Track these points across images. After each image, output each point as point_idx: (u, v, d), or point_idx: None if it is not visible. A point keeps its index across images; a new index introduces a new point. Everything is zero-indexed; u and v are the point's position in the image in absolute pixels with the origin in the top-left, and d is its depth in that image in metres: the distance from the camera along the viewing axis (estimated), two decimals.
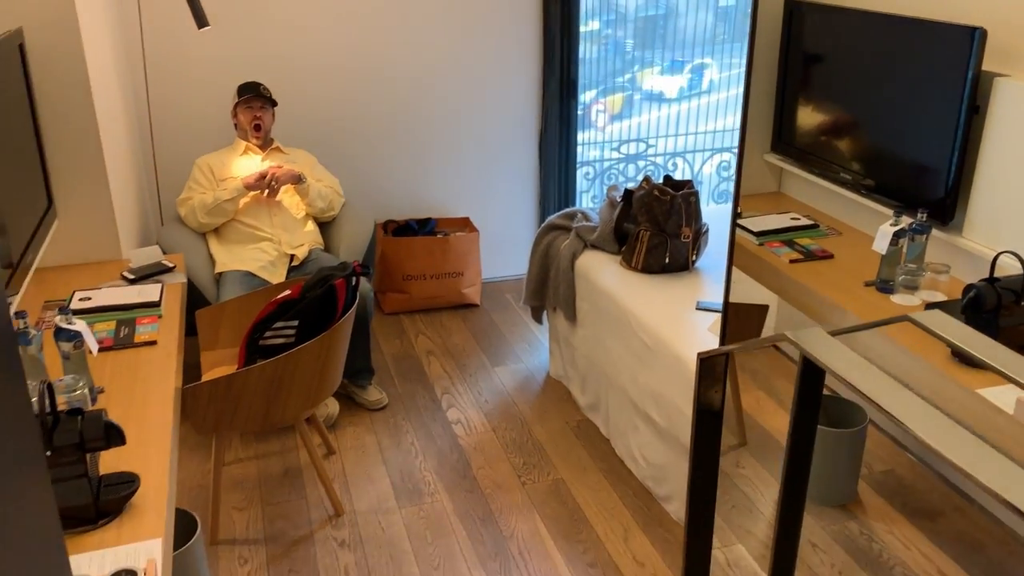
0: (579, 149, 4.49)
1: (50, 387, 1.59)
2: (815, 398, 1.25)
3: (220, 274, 3.29)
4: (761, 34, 3.38)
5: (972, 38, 2.42)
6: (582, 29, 4.28)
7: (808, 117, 3.18)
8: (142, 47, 3.70)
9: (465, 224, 4.35)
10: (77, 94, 2.71)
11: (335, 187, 3.60)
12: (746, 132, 2.74)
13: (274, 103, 3.51)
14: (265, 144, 3.52)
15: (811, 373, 1.23)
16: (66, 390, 1.88)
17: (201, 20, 3.29)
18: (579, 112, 4.38)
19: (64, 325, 1.96)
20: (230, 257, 3.34)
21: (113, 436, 1.62)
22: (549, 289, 3.49)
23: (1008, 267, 2.13)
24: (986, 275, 2.21)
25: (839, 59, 2.99)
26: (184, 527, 2.37)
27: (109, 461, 1.82)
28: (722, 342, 2.03)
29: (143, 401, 2.06)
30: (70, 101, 2.72)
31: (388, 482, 2.97)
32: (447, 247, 4.11)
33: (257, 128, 3.46)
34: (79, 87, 2.71)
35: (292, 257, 3.38)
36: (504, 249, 4.52)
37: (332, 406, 3.30)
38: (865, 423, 2.81)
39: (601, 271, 3.18)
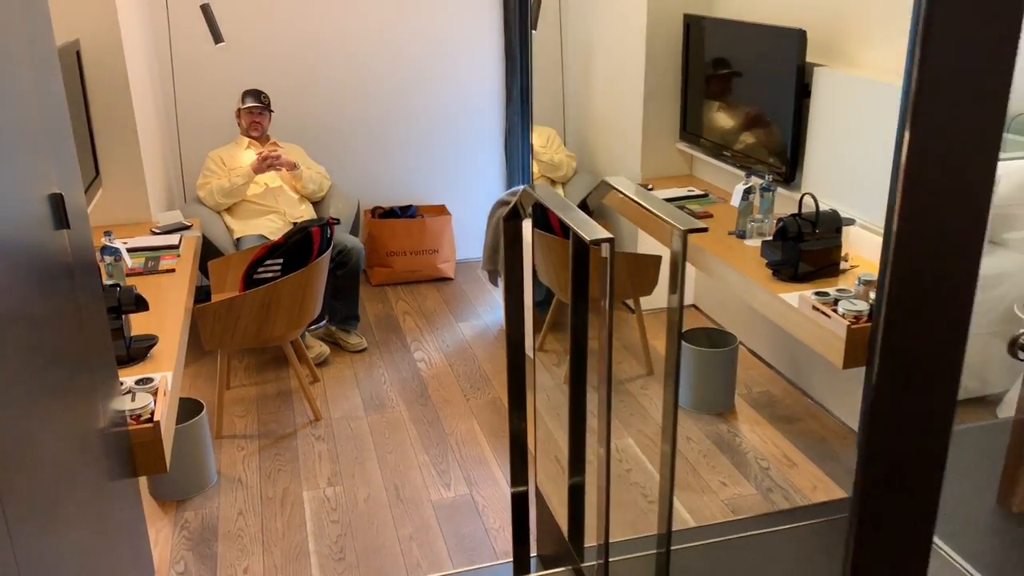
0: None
1: (96, 267, 2.35)
2: (583, 261, 1.95)
3: (239, 239, 4.06)
4: (668, 41, 4.17)
5: (797, 37, 3.16)
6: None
7: (702, 109, 3.94)
8: (171, 57, 4.53)
9: (441, 210, 5.10)
10: (119, 91, 3.52)
11: (323, 172, 4.38)
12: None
13: (271, 109, 4.30)
14: (263, 140, 4.31)
15: (579, 245, 1.93)
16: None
17: (217, 37, 4.10)
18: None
19: (108, 243, 2.73)
20: (246, 226, 4.11)
21: (141, 303, 2.37)
22: (499, 254, 4.22)
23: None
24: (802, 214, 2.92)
25: (719, 61, 3.77)
26: (194, 413, 3.11)
27: (138, 326, 2.58)
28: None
29: (163, 303, 2.82)
30: (114, 97, 3.52)
31: (359, 400, 3.70)
32: (424, 228, 4.86)
33: (254, 129, 4.24)
34: (120, 86, 3.51)
35: (294, 224, 4.15)
36: (477, 233, 5.26)
37: (323, 348, 4.04)
38: (735, 344, 3.50)
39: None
